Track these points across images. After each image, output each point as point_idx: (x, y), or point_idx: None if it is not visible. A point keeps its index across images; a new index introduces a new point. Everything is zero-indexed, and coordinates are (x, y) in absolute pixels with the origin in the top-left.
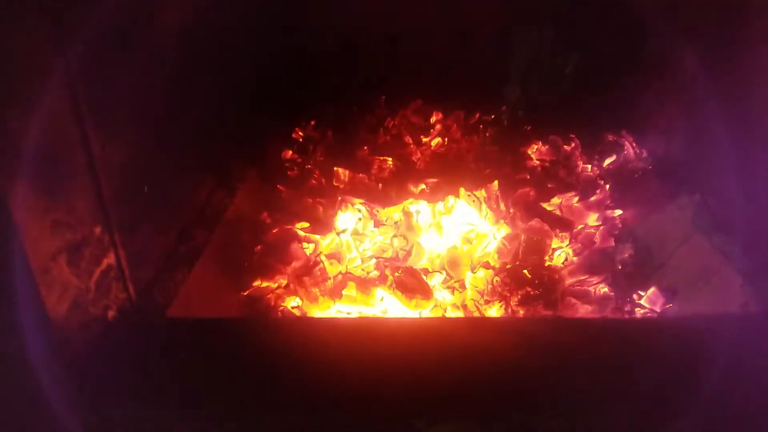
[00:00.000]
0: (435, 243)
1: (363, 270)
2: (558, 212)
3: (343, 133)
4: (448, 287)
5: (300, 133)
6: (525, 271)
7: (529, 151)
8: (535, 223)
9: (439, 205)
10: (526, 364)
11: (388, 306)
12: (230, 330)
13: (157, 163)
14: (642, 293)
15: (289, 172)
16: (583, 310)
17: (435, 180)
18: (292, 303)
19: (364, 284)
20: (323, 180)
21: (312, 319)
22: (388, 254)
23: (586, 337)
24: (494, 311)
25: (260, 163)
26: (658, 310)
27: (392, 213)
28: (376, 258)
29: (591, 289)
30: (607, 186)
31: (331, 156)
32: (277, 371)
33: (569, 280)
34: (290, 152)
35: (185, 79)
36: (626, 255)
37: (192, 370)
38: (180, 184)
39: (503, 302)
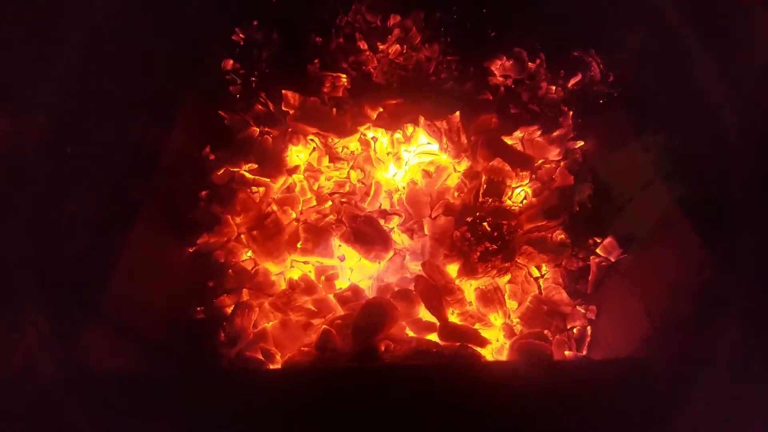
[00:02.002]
0: (393, 175)
1: (319, 213)
2: (520, 146)
3: (290, 33)
4: (408, 230)
5: (241, 35)
6: (485, 224)
7: (493, 67)
8: (496, 163)
9: (398, 134)
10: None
11: (345, 254)
12: None
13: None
14: (598, 240)
15: (231, 87)
16: (539, 259)
17: (394, 102)
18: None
19: (321, 236)
20: (270, 105)
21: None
22: (346, 188)
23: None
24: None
25: (197, 80)
26: (613, 260)
27: (348, 143)
28: (333, 199)
29: (548, 235)
30: (571, 113)
31: (277, 67)
32: None
33: (527, 226)
34: (231, 61)
35: None
36: (585, 195)
37: None
38: (106, 127)
39: (462, 259)
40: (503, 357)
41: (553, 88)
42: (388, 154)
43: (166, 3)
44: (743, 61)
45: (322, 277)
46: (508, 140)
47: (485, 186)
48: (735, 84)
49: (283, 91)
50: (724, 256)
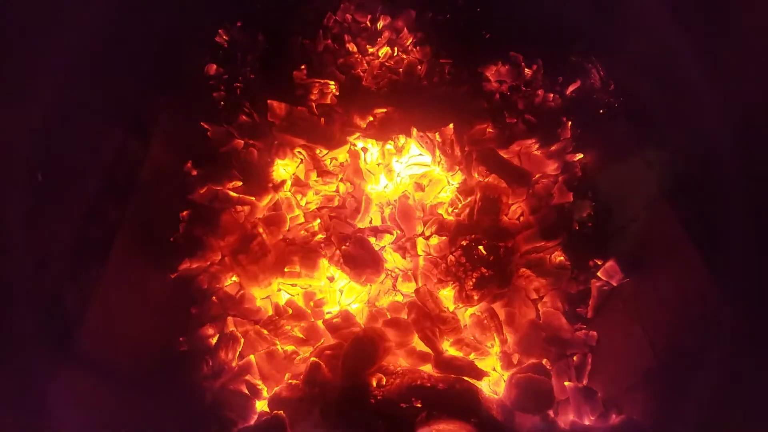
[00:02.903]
0: (384, 187)
1: (307, 231)
2: (516, 160)
3: (275, 35)
4: (400, 248)
5: (224, 37)
6: (480, 247)
7: (488, 73)
8: (491, 179)
9: (389, 144)
10: None
11: (335, 276)
12: None
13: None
14: (599, 262)
15: (214, 94)
16: (538, 282)
17: (384, 110)
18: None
19: (309, 257)
20: (255, 115)
21: None
22: (335, 203)
23: None
24: (447, 293)
25: (178, 87)
26: (614, 284)
27: (337, 155)
28: (321, 215)
29: (546, 256)
30: (569, 123)
31: (262, 72)
32: None
33: (525, 247)
34: (214, 66)
35: None
36: (585, 213)
37: None
38: (78, 144)
39: (457, 285)
40: (500, 390)
41: (551, 95)
42: (378, 165)
43: (144, 3)
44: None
45: (311, 303)
46: (503, 154)
47: (480, 203)
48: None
49: (269, 101)
50: (726, 282)
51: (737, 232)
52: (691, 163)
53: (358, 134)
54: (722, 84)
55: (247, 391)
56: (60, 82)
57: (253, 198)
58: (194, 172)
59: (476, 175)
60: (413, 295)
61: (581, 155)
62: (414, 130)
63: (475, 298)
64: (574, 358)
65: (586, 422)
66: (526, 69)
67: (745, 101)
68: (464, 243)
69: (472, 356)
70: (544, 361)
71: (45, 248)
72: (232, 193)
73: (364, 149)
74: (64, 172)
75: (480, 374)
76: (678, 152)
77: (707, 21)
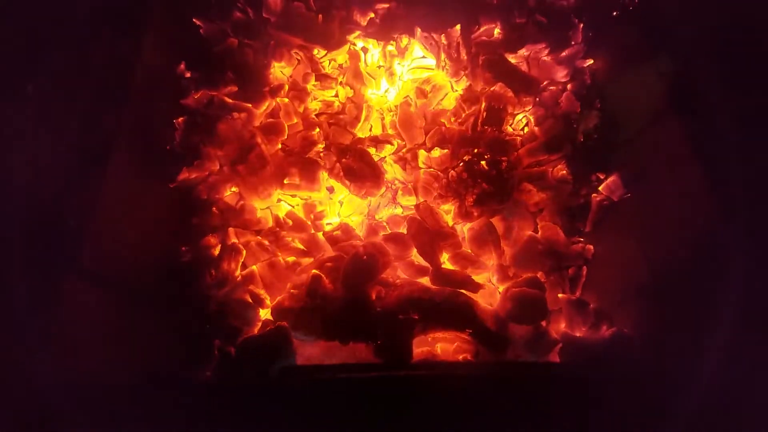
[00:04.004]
0: (384, 91)
1: (306, 140)
2: (524, 66)
3: None
4: (400, 159)
5: None
6: (483, 162)
7: None
8: (497, 88)
9: (391, 45)
10: None
11: (334, 186)
12: None
13: None
14: (601, 177)
15: None
16: (538, 197)
17: (386, 5)
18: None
19: (308, 169)
20: (250, 11)
21: None
22: (335, 107)
23: None
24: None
25: None
26: (615, 199)
27: (336, 56)
28: (320, 123)
29: (549, 169)
30: (581, 26)
31: None
32: None
33: (527, 161)
34: None
35: None
36: (591, 125)
37: None
38: (66, 51)
39: (457, 201)
40: (495, 300)
41: None
42: (379, 67)
43: None
44: None
45: (311, 215)
46: (511, 58)
47: (485, 114)
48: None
49: None
50: (728, 202)
51: (743, 153)
52: (703, 76)
53: (358, 33)
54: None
55: (250, 300)
56: None
57: (250, 105)
58: (188, 75)
59: (482, 83)
60: (413, 208)
61: (591, 61)
62: (418, 31)
63: (475, 214)
64: (569, 270)
65: (578, 333)
66: None
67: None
68: (466, 158)
69: (468, 270)
70: (539, 275)
71: (41, 161)
72: (227, 99)
73: (365, 50)
74: (55, 80)
75: (476, 287)
76: (690, 64)
77: None
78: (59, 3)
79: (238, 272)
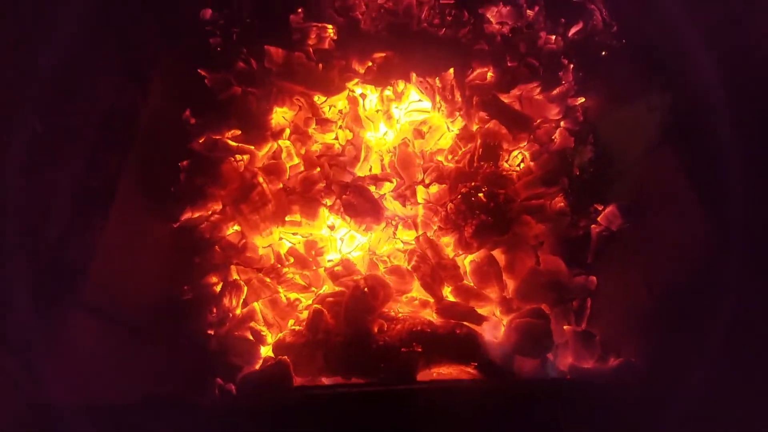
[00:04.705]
0: (383, 134)
1: (307, 180)
2: (517, 105)
3: None
4: (400, 196)
5: None
6: (480, 194)
7: (489, 14)
8: (492, 125)
9: (388, 90)
10: None
11: (335, 223)
12: None
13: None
14: (599, 208)
15: (211, 40)
16: (537, 229)
17: (383, 55)
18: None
19: (309, 206)
20: (253, 61)
21: None
22: (335, 149)
23: None
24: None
25: (174, 34)
26: (614, 229)
27: (336, 102)
28: (321, 163)
29: (547, 202)
30: (571, 66)
31: (259, 16)
32: None
33: (525, 194)
34: (210, 11)
35: None
36: (586, 158)
37: None
38: (77, 94)
39: (456, 233)
40: (500, 335)
41: (553, 37)
42: (377, 112)
43: None
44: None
45: (312, 251)
46: (504, 98)
47: (480, 150)
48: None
49: (266, 47)
50: (726, 228)
51: (737, 178)
52: (693, 107)
53: (356, 80)
54: (725, 28)
55: (251, 337)
56: (60, 29)
57: (252, 147)
58: (192, 121)
59: (477, 122)
60: (413, 242)
61: (583, 99)
62: (413, 75)
63: (475, 245)
64: (574, 303)
65: (585, 365)
66: (527, 10)
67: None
68: (464, 190)
69: (471, 303)
70: (543, 307)
71: (47, 198)
72: (231, 142)
73: (363, 96)
74: (64, 121)
75: (480, 319)
76: (680, 96)
77: None
78: (70, 46)
79: (239, 310)
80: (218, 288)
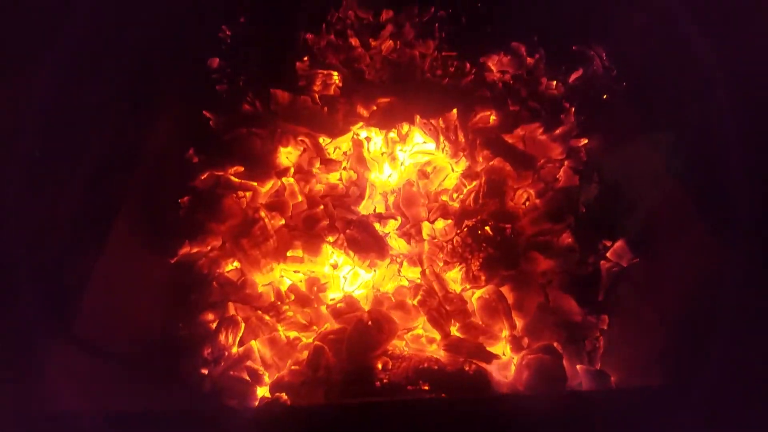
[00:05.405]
0: (388, 176)
1: (310, 218)
2: (521, 145)
3: (279, 31)
4: (405, 234)
5: (228, 32)
6: (487, 227)
7: (490, 63)
8: (496, 162)
9: (392, 133)
10: None
11: (338, 261)
12: None
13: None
14: (608, 244)
15: (217, 87)
16: (545, 265)
17: (387, 99)
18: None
19: (312, 242)
20: (258, 104)
21: None
22: (339, 189)
23: None
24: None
25: (181, 78)
26: (624, 265)
27: (340, 143)
28: (324, 202)
29: (554, 239)
30: (572, 109)
31: (266, 66)
32: None
33: (531, 230)
34: (217, 60)
35: None
36: (592, 196)
37: None
38: (80, 127)
39: (464, 265)
40: (511, 373)
41: (554, 83)
42: (382, 154)
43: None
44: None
45: (314, 288)
46: (508, 138)
47: (485, 187)
48: (740, 75)
49: (272, 90)
50: (738, 257)
51: (745, 208)
52: (695, 141)
53: (361, 123)
54: (724, 64)
55: (248, 378)
56: (68, 63)
57: (255, 183)
58: (195, 159)
59: (480, 159)
60: (419, 279)
61: (585, 140)
62: (417, 117)
63: (483, 278)
64: (585, 341)
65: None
66: (528, 58)
67: (747, 77)
68: (470, 224)
69: (480, 339)
70: (554, 344)
71: (44, 226)
72: (233, 179)
73: (368, 138)
74: (67, 151)
75: (490, 357)
76: (681, 132)
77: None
78: (78, 77)
79: (235, 348)
80: (214, 326)
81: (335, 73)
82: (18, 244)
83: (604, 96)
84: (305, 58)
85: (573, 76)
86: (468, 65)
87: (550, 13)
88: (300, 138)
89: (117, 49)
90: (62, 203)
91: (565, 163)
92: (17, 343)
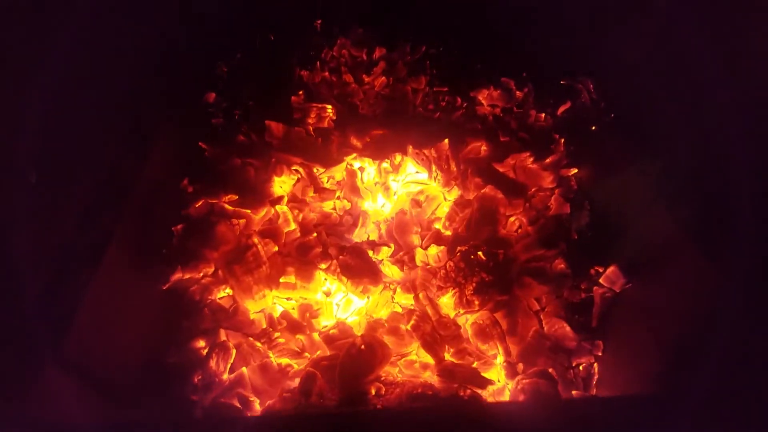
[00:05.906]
0: (381, 206)
1: (303, 245)
2: (512, 174)
3: (274, 67)
4: (398, 261)
5: (224, 69)
6: (480, 252)
7: (480, 97)
8: (488, 190)
9: (385, 163)
10: None
11: (331, 289)
12: None
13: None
14: (600, 269)
15: (213, 120)
16: (539, 290)
17: (380, 131)
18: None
19: (305, 269)
20: (253, 135)
21: None
22: (332, 217)
23: None
24: (447, 299)
25: (178, 111)
26: (617, 290)
27: (334, 173)
28: (318, 230)
29: (547, 265)
30: (562, 140)
31: (261, 101)
32: None
33: (524, 256)
34: (213, 95)
35: None
36: (583, 223)
37: None
38: (76, 154)
39: (457, 290)
40: (505, 399)
41: (543, 115)
42: (375, 184)
43: (147, 34)
44: (740, 80)
45: (306, 314)
46: (499, 168)
47: (477, 214)
48: (733, 103)
49: (267, 122)
50: (732, 280)
51: (737, 231)
52: (684, 167)
53: (354, 154)
54: (712, 92)
55: (238, 405)
56: (62, 90)
57: (249, 211)
58: (190, 189)
59: (472, 188)
60: (412, 305)
61: (576, 170)
62: (410, 148)
63: (476, 303)
64: (581, 367)
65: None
66: (517, 92)
67: (735, 105)
68: (463, 249)
69: (475, 365)
70: (549, 371)
71: (35, 252)
72: (227, 207)
73: (361, 168)
74: (62, 177)
75: (485, 383)
76: (670, 159)
77: (695, 32)
78: (74, 107)
79: (226, 375)
80: (205, 352)
81: (329, 107)
82: (10, 269)
83: (593, 128)
84: (300, 93)
85: (561, 109)
86: (459, 99)
87: (538, 48)
88: (294, 167)
89: (117, 79)
90: (56, 229)
91: (556, 191)
92: (6, 369)
